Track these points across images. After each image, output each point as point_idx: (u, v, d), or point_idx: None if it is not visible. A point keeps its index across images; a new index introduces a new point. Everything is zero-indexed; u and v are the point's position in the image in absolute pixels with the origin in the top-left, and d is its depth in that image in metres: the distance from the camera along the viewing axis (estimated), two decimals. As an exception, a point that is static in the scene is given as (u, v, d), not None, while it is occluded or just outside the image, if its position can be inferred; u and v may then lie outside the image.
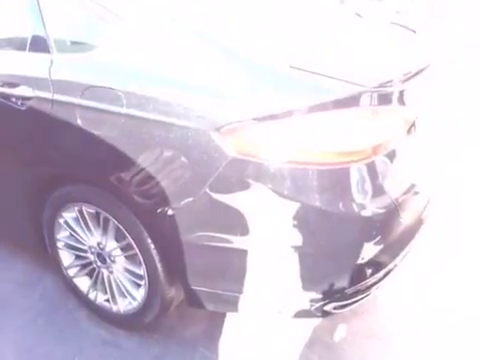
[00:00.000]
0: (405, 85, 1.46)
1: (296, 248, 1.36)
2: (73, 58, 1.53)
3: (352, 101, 1.31)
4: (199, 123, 1.32)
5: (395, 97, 1.42)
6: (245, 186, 1.33)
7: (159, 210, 1.45)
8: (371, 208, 1.34)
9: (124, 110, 1.40)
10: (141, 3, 1.47)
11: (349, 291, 1.44)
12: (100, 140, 1.46)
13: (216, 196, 1.36)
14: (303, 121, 1.28)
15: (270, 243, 1.38)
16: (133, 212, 1.52)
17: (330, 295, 1.43)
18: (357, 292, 1.46)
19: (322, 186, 1.30)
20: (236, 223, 1.37)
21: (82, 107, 1.47)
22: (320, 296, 1.43)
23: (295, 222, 1.32)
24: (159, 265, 1.55)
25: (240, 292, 1.47)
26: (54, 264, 1.89)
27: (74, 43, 1.58)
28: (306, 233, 1.34)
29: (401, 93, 1.44)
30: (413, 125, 1.54)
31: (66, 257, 1.83)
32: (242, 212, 1.35)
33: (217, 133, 1.30)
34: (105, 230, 1.65)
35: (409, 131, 1.52)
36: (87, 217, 1.67)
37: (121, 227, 1.58)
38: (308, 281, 1.41)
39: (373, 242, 1.39)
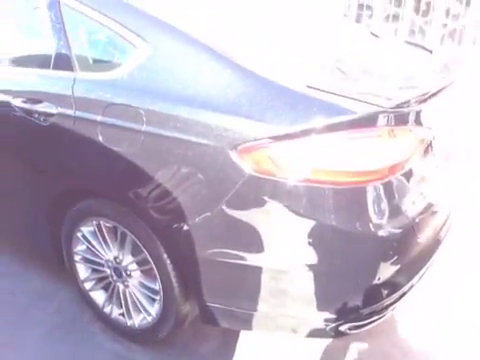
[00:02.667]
0: (422, 105, 1.46)
1: (311, 267, 1.36)
2: (95, 76, 1.57)
3: (369, 121, 1.32)
4: (217, 141, 1.34)
5: (412, 117, 1.43)
6: (261, 204, 1.34)
7: (175, 226, 1.47)
8: (388, 228, 1.34)
9: (144, 128, 1.43)
10: (158, 25, 1.51)
11: (364, 312, 1.43)
12: (120, 156, 1.49)
13: (232, 213, 1.37)
14: (320, 140, 1.29)
15: (285, 261, 1.39)
16: (150, 227, 1.54)
17: (345, 315, 1.42)
18: (372, 313, 1.45)
19: (338, 205, 1.30)
20: (252, 240, 1.38)
21: (103, 124, 1.51)
22: (335, 316, 1.42)
23: (311, 240, 1.33)
24: (174, 280, 1.56)
25: (254, 310, 1.47)
26: (71, 277, 1.92)
27: (96, 61, 1.62)
28: (321, 252, 1.34)
29: (418, 113, 1.45)
30: (430, 145, 1.54)
31: (83, 270, 1.86)
32: (258, 229, 1.36)
33: (234, 151, 1.32)
34: (122, 244, 1.67)
35: (426, 151, 1.52)
36: (105, 231, 1.69)
37: (138, 242, 1.60)
38: (323, 300, 1.41)
39: (389, 262, 1.38)
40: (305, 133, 1.28)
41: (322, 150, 1.29)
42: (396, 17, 5.22)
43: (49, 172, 1.74)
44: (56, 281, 2.12)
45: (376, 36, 2.17)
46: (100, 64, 1.61)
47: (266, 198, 1.33)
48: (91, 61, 1.61)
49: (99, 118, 1.51)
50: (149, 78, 1.47)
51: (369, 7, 5.56)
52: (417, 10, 5.30)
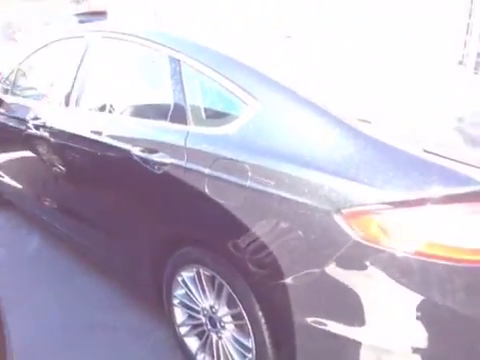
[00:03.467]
0: None
1: (416, 350, 1.22)
2: (207, 131, 1.64)
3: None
4: (321, 202, 1.30)
5: None
6: (366, 273, 1.25)
7: (272, 284, 1.44)
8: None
9: (248, 183, 1.45)
10: (267, 83, 1.54)
11: None
12: (223, 208, 1.52)
13: (333, 279, 1.30)
14: (437, 211, 1.18)
15: (389, 339, 1.26)
16: (247, 282, 1.53)
17: None
18: None
19: (456, 284, 1.16)
20: (353, 311, 1.29)
21: (210, 177, 1.56)
22: None
23: (421, 320, 1.20)
24: (268, 341, 1.51)
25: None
26: (167, 319, 1.97)
27: (209, 117, 1.70)
28: (433, 335, 1.20)
29: None
30: None
31: (180, 315, 1.89)
32: (361, 300, 1.27)
33: (339, 215, 1.27)
34: (219, 295, 1.68)
35: None
36: (203, 279, 1.72)
37: (233, 294, 1.59)
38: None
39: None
40: (420, 202, 1.19)
41: (439, 222, 1.18)
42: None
43: (158, 217, 1.84)
44: (154, 319, 2.20)
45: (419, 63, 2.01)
46: (212, 119, 1.69)
47: (372, 268, 1.24)
48: (204, 116, 1.70)
49: (207, 171, 1.57)
50: (256, 135, 1.50)
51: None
52: None
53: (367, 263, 1.25)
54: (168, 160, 1.71)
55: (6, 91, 2.89)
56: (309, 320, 1.38)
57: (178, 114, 1.76)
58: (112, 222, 2.16)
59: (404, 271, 1.21)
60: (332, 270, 1.30)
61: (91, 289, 2.48)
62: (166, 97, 1.83)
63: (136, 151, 1.83)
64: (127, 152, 1.86)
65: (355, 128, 1.36)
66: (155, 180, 1.77)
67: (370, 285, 1.26)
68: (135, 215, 1.96)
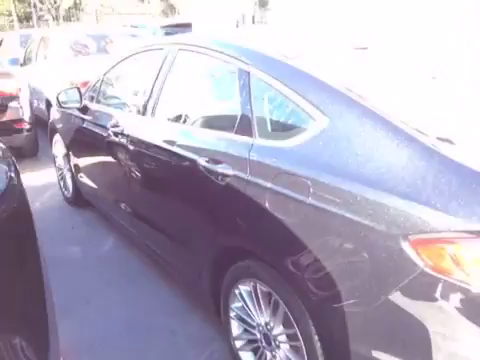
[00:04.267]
0: None
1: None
2: (271, 144, 1.62)
3: None
4: (387, 226, 1.21)
5: None
6: (434, 307, 1.14)
7: (330, 308, 1.37)
8: None
9: (309, 200, 1.40)
10: (338, 98, 1.48)
11: None
12: (282, 224, 1.48)
13: (396, 311, 1.21)
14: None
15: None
16: (303, 302, 1.47)
17: None
18: None
19: None
20: (415, 347, 1.18)
21: (271, 191, 1.53)
22: None
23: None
24: (322, 366, 1.44)
25: None
26: (224, 330, 1.96)
27: (274, 130, 1.67)
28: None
29: None
30: None
31: (235, 328, 1.88)
32: (425, 336, 1.16)
33: (406, 241, 1.17)
34: (274, 312, 1.64)
35: None
36: (260, 294, 1.69)
37: (289, 314, 1.54)
38: None
39: None
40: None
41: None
42: None
43: (219, 227, 1.84)
44: (212, 329, 2.20)
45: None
46: (277, 133, 1.66)
47: (441, 302, 1.13)
48: (270, 129, 1.68)
49: (269, 184, 1.54)
50: (322, 151, 1.44)
51: None
52: None
53: (436, 296, 1.14)
54: (231, 172, 1.71)
55: (92, 98, 3.10)
56: (367, 351, 1.29)
57: (244, 126, 1.75)
58: (177, 229, 2.21)
59: (478, 309, 1.08)
60: (396, 300, 1.20)
61: (157, 293, 2.55)
62: (234, 109, 1.83)
63: (202, 161, 1.85)
64: (194, 162, 1.89)
65: (429, 147, 1.26)
66: (219, 191, 1.78)
67: (437, 321, 1.15)
68: (198, 224, 1.99)
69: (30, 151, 5.21)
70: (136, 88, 2.65)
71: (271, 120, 1.69)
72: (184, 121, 2.18)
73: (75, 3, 32.16)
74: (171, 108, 2.32)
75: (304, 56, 1.82)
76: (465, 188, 1.15)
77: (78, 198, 3.62)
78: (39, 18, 30.25)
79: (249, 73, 1.78)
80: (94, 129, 2.93)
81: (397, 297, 1.20)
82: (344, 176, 1.34)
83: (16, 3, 29.88)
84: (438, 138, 1.34)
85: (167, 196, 2.27)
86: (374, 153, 1.33)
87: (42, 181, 4.46)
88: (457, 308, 1.11)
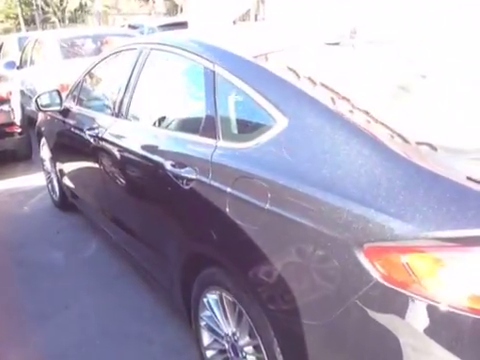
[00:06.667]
0: None
1: None
2: (233, 146, 1.54)
3: None
4: (342, 233, 1.13)
5: None
6: (392, 320, 1.06)
7: (290, 319, 1.29)
8: None
9: (267, 206, 1.32)
10: (298, 97, 1.40)
11: None
12: (242, 231, 1.41)
13: (355, 323, 1.13)
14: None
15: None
16: (265, 313, 1.39)
17: None
18: None
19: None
20: (374, 362, 1.10)
21: (231, 196, 1.46)
22: None
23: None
24: (284, 380, 1.36)
25: None
26: (196, 339, 1.89)
27: (239, 131, 1.59)
28: None
29: None
30: None
31: (206, 337, 1.81)
32: (385, 349, 1.08)
33: (362, 250, 1.09)
34: (239, 322, 1.56)
35: None
36: (225, 304, 1.62)
37: (252, 325, 1.46)
38: None
39: None
40: (466, 242, 0.97)
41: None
42: None
43: (185, 233, 1.77)
44: (188, 336, 2.13)
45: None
46: (241, 135, 1.58)
47: (397, 315, 1.04)
48: (234, 130, 1.60)
49: (229, 189, 1.46)
50: (280, 152, 1.36)
51: None
52: None
53: (392, 309, 1.06)
54: (194, 175, 1.64)
55: (72, 101, 3.05)
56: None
57: (208, 128, 1.68)
58: (148, 234, 2.14)
59: (438, 324, 1.00)
60: (353, 313, 1.12)
61: (136, 298, 2.49)
62: (200, 110, 1.76)
63: (168, 165, 1.78)
64: (161, 166, 1.82)
65: (386, 148, 1.18)
66: (183, 196, 1.71)
67: (395, 334, 1.06)
68: (167, 229, 1.92)
69: (23, 154, 5.19)
70: (111, 89, 2.59)
71: (235, 121, 1.62)
72: (154, 123, 2.11)
73: (81, 5, 32.33)
74: (142, 110, 2.26)
75: (273, 53, 1.75)
76: (422, 193, 1.06)
77: (65, 202, 3.58)
78: (45, 21, 30.45)
79: (214, 72, 1.70)
80: (74, 132, 2.87)
81: (354, 309, 1.12)
82: (301, 180, 1.26)
83: (23, 6, 30.12)
84: (403, 139, 1.26)
85: (138, 200, 2.21)
86: (331, 156, 1.25)
87: (33, 184, 4.44)
88: (414, 322, 1.03)
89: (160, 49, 2.15)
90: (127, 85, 2.29)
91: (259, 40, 2.05)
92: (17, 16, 29.88)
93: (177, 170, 1.73)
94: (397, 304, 1.04)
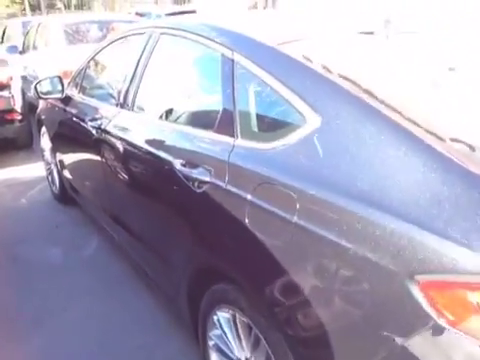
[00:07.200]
0: None
1: None
2: (254, 146, 1.34)
3: None
4: (390, 260, 0.93)
5: None
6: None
7: (317, 351, 1.10)
8: None
9: (295, 219, 1.12)
10: (336, 92, 1.19)
11: None
12: (262, 245, 1.21)
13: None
14: None
15: None
16: (286, 341, 1.20)
17: None
18: None
19: None
20: None
21: (252, 204, 1.26)
22: None
23: None
24: None
25: None
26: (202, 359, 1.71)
27: (260, 129, 1.39)
28: None
29: None
30: None
31: (215, 358, 1.62)
32: None
33: (413, 282, 0.89)
34: (255, 348, 1.37)
35: None
36: (239, 325, 1.43)
37: (270, 353, 1.27)
38: None
39: None
40: None
41: None
42: None
43: (193, 241, 1.58)
44: (193, 351, 1.94)
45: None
46: (263, 133, 1.38)
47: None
48: (255, 128, 1.40)
49: (249, 196, 1.27)
50: (311, 156, 1.16)
51: None
52: None
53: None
54: (208, 178, 1.44)
55: (75, 88, 2.85)
56: None
57: (225, 124, 1.48)
58: (153, 238, 1.95)
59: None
60: (396, 357, 0.93)
61: (137, 304, 2.31)
62: (216, 103, 1.55)
63: (177, 164, 1.58)
64: (170, 164, 1.62)
65: (448, 158, 0.97)
66: (194, 200, 1.51)
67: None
68: (174, 235, 1.72)
69: (24, 142, 5.00)
70: (116, 77, 2.38)
71: (256, 117, 1.41)
72: (162, 116, 1.91)
73: (87, -9, 31.96)
74: (149, 101, 2.06)
75: (299, 42, 1.53)
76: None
77: (65, 195, 3.39)
78: (51, 6, 30.13)
79: (233, 61, 1.50)
80: (75, 122, 2.67)
81: (402, 356, 0.92)
82: (337, 190, 1.06)
83: (28, -9, 29.79)
84: (460, 145, 1.06)
85: (142, 201, 2.01)
86: (376, 163, 1.04)
87: (33, 175, 4.25)
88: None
89: (171, 34, 1.94)
90: (134, 73, 2.09)
91: (282, 26, 1.84)
92: (23, 1, 29.54)
93: (188, 170, 1.53)
94: (460, 355, 0.85)
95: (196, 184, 1.49)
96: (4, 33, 9.10)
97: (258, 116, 1.41)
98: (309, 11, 2.86)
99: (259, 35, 1.55)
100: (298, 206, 1.12)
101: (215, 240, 1.44)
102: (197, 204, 1.51)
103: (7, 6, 29.60)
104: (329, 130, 1.16)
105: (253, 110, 1.42)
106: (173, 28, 1.95)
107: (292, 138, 1.22)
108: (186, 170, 1.54)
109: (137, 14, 9.94)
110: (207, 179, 1.44)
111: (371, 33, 1.61)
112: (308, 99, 1.22)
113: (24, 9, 28.75)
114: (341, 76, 1.25)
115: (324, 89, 1.21)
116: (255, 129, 1.40)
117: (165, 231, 1.80)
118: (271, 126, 1.37)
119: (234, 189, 1.33)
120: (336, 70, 1.29)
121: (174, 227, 1.72)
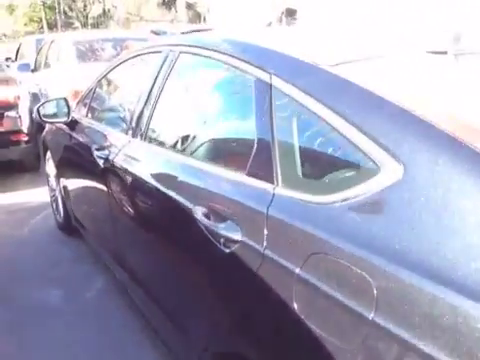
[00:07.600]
0: None
1: None
2: (304, 198, 1.01)
3: None
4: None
5: None
6: None
7: None
8: None
9: (372, 315, 0.78)
10: (424, 136, 0.86)
11: None
12: (320, 344, 0.87)
13: None
14: None
15: None
16: None
17: None
18: None
19: None
20: None
21: (302, 282, 0.92)
22: None
23: None
24: None
25: None
26: None
27: (309, 176, 1.07)
28: None
29: None
30: None
31: None
32: None
33: None
34: None
35: None
36: None
37: None
38: None
39: None
40: None
41: None
42: None
43: (214, 315, 1.24)
44: None
45: None
46: (315, 181, 1.06)
47: None
48: (301, 173, 1.07)
49: (297, 270, 0.93)
50: (392, 221, 0.83)
51: None
52: None
53: None
54: (238, 236, 1.11)
55: (83, 111, 2.57)
56: None
57: (261, 165, 1.16)
58: (164, 296, 1.62)
59: None
60: None
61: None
62: (248, 138, 1.24)
63: (198, 213, 1.26)
64: (189, 211, 1.30)
65: None
66: (219, 261, 1.18)
67: None
68: (190, 300, 1.39)
69: (31, 165, 4.73)
70: (127, 100, 2.10)
71: (304, 160, 1.08)
72: (180, 149, 1.60)
73: (104, 11, 32.52)
74: (165, 129, 1.76)
75: (357, 63, 1.22)
76: None
77: (69, 224, 3.07)
78: (68, 25, 30.66)
79: (271, 86, 1.18)
80: (82, 149, 2.39)
81: None
82: (430, 272, 0.73)
83: (46, 10, 30.37)
84: None
85: (154, 250, 1.68)
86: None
87: (38, 200, 3.96)
88: None
89: (193, 52, 1.65)
90: (148, 97, 1.78)
91: (325, 45, 1.52)
92: (41, 20, 30.09)
93: (212, 223, 1.20)
94: None
95: (222, 242, 1.16)
96: (18, 51, 9.02)
97: (306, 158, 1.08)
98: (343, 25, 2.55)
99: (302, 54, 1.24)
100: (376, 294, 0.79)
101: (246, 321, 1.10)
102: (223, 267, 1.18)
103: (25, 24, 30.18)
104: (414, 183, 0.83)
105: (298, 150, 1.10)
106: (195, 46, 1.65)
107: (360, 191, 0.89)
108: (210, 223, 1.21)
109: (152, 32, 9.82)
110: (237, 238, 1.11)
111: (444, 53, 1.29)
112: (382, 140, 0.90)
113: (42, 27, 29.27)
114: (423, 109, 0.93)
115: (407, 128, 0.89)
116: (302, 175, 1.07)
117: (179, 290, 1.47)
118: (326, 172, 1.04)
119: (275, 256, 1.00)
120: (415, 100, 0.97)
121: (191, 289, 1.39)
